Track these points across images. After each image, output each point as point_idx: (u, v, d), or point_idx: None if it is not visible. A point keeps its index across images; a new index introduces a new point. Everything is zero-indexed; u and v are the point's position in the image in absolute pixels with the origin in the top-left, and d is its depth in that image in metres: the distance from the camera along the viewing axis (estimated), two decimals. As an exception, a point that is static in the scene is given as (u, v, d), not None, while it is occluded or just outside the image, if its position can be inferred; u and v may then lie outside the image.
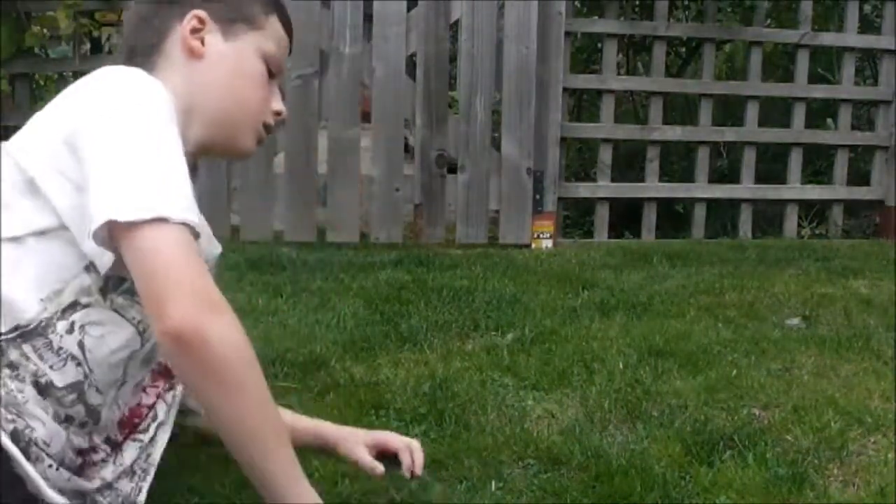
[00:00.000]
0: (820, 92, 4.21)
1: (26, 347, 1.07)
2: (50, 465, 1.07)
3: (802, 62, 4.10)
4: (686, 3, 4.42)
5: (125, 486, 1.20)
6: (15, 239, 1.08)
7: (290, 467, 1.08)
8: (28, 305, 1.07)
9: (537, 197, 3.69)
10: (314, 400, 1.72)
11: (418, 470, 1.36)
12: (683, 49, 4.95)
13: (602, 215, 3.92)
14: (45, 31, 3.51)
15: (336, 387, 1.82)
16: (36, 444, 1.06)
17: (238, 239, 3.37)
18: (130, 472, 1.20)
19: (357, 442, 1.43)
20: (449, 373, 1.90)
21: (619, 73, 4.20)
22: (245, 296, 2.44)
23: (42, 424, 1.07)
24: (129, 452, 1.21)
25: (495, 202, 3.67)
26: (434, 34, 3.58)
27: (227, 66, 1.29)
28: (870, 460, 1.53)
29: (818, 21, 4.40)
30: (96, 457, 1.18)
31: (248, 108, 1.30)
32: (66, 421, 1.11)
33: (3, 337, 1.05)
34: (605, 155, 3.92)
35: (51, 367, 1.08)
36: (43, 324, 1.07)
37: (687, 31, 4.22)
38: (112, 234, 1.03)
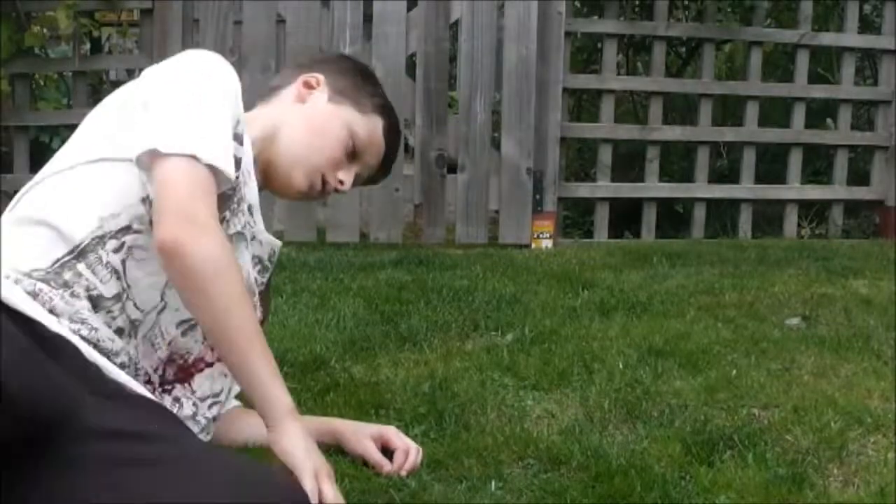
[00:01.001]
0: (820, 92, 4.21)
1: (80, 266, 1.25)
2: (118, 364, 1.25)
3: (802, 62, 4.10)
4: (686, 3, 4.42)
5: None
6: (93, 161, 1.29)
7: (263, 370, 1.24)
8: (87, 222, 1.25)
9: (537, 197, 3.69)
10: (314, 400, 1.72)
11: (405, 471, 1.43)
12: (683, 49, 4.95)
13: (602, 215, 3.92)
14: (45, 31, 3.51)
15: (336, 387, 1.82)
16: (101, 344, 1.24)
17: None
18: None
19: (364, 435, 1.50)
20: (449, 373, 1.90)
21: (619, 73, 4.20)
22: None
23: (102, 330, 1.25)
24: (187, 407, 1.39)
25: (495, 202, 3.67)
26: (434, 34, 3.58)
27: (318, 116, 1.51)
28: (870, 460, 1.53)
29: (818, 21, 4.40)
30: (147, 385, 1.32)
31: (315, 153, 1.48)
32: (117, 333, 1.28)
33: (57, 263, 1.24)
34: (605, 155, 3.92)
35: (100, 280, 1.25)
36: (95, 241, 1.25)
37: (687, 31, 4.22)
38: (151, 161, 1.23)
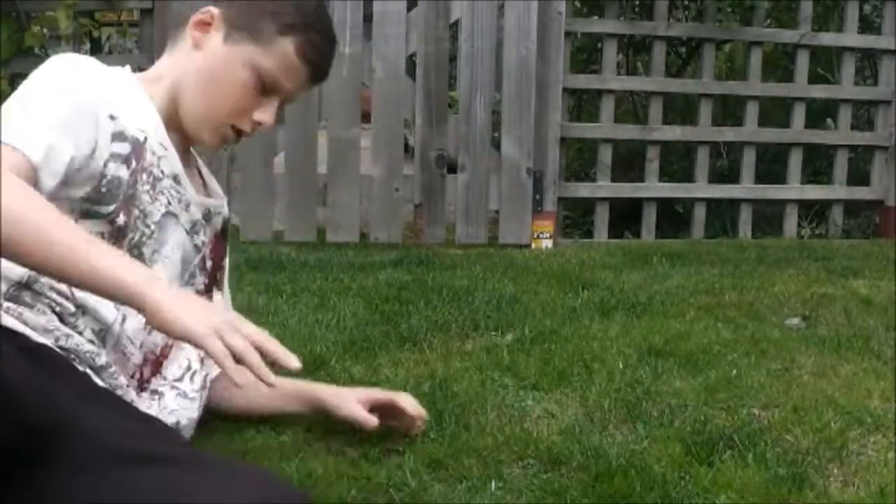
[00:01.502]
0: (820, 92, 4.21)
1: (31, 293, 1.23)
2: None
3: (802, 62, 4.10)
4: (686, 3, 4.43)
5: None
6: None
7: (100, 261, 1.09)
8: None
9: (537, 197, 3.69)
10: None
11: (415, 410, 1.52)
12: (683, 49, 4.95)
13: (602, 215, 3.92)
14: (45, 31, 3.51)
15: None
16: (80, 348, 1.24)
17: (238, 239, 3.37)
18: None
19: (348, 398, 1.53)
20: (449, 373, 1.90)
21: (619, 73, 4.21)
22: (245, 296, 2.44)
23: (76, 338, 1.24)
24: (168, 396, 1.38)
25: (495, 202, 3.67)
26: (434, 34, 3.58)
27: (212, 65, 1.38)
28: (870, 460, 1.53)
29: (818, 21, 4.40)
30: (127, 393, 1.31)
31: (213, 109, 1.39)
32: (91, 342, 1.26)
33: (12, 288, 1.22)
34: (605, 155, 3.92)
35: (55, 299, 1.23)
36: (33, 276, 1.21)
37: (687, 31, 4.22)
38: None
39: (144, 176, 1.32)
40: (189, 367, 1.43)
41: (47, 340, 1.21)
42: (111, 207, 1.28)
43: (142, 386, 1.36)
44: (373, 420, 1.48)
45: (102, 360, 1.27)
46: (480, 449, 1.52)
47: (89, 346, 1.25)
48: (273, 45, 1.38)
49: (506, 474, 1.45)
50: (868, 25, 4.63)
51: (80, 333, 1.25)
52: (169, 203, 1.36)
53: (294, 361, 1.12)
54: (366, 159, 3.60)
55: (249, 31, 1.38)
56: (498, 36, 3.65)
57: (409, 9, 3.58)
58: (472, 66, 3.61)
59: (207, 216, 1.46)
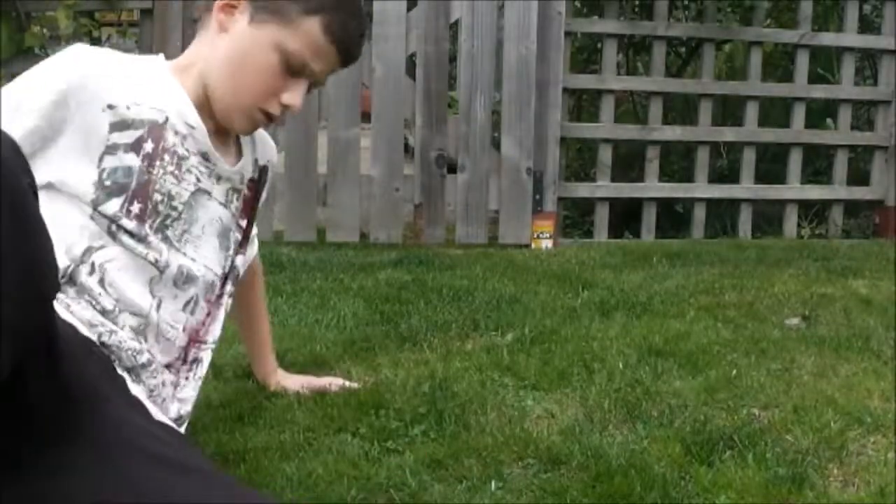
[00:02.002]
0: (820, 92, 4.21)
1: (75, 289, 1.24)
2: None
3: (802, 62, 4.10)
4: (686, 3, 4.42)
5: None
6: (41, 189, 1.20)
7: None
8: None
9: (537, 197, 3.69)
10: (314, 400, 1.72)
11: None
12: (683, 49, 4.95)
13: (602, 215, 3.92)
14: (45, 31, 3.51)
15: (336, 387, 1.82)
16: (123, 345, 1.26)
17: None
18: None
19: (287, 376, 1.79)
20: (449, 373, 1.90)
21: (619, 73, 4.20)
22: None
23: (119, 333, 1.27)
24: (206, 360, 1.42)
25: (495, 202, 3.68)
26: (434, 34, 3.58)
27: (239, 48, 1.38)
28: (870, 460, 1.53)
29: (818, 21, 4.40)
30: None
31: (243, 94, 1.38)
32: (131, 336, 1.28)
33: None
34: (605, 155, 3.92)
35: (97, 296, 1.25)
36: (71, 272, 1.24)
37: (687, 31, 4.22)
38: None
39: (167, 157, 1.32)
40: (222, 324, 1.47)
41: (92, 336, 1.23)
42: (122, 196, 1.28)
43: (185, 360, 1.38)
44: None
45: (144, 357, 1.29)
46: (480, 449, 1.52)
47: (131, 343, 1.27)
48: (300, 26, 1.36)
49: (506, 474, 1.45)
50: (868, 25, 4.63)
51: (122, 329, 1.27)
52: (198, 180, 1.36)
53: None
54: (366, 159, 3.60)
55: (275, 11, 1.36)
56: (498, 36, 3.65)
57: (409, 9, 3.58)
58: (472, 66, 3.61)
59: (245, 177, 1.47)
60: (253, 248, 1.61)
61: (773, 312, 2.51)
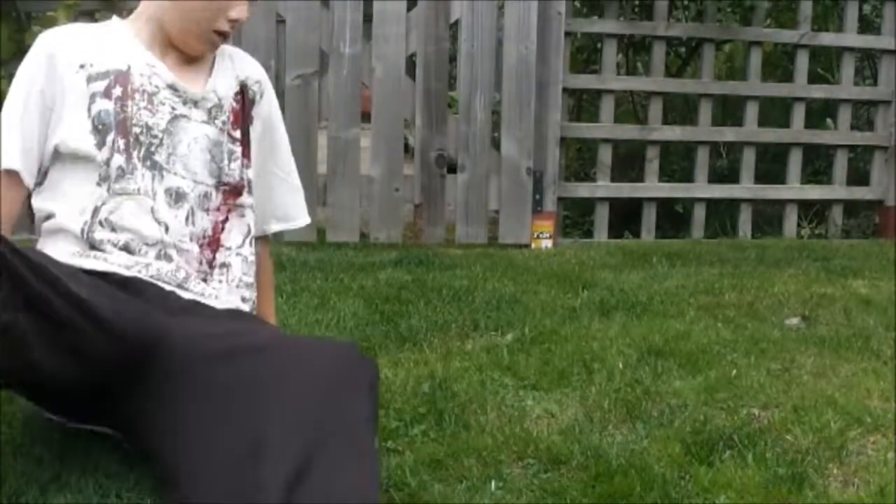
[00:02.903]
0: (819, 92, 4.21)
1: (99, 254, 1.47)
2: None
3: (802, 62, 4.10)
4: (686, 3, 4.42)
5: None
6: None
7: None
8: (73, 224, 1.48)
9: (537, 197, 3.69)
10: (314, 400, 1.72)
11: None
12: (683, 49, 4.95)
13: (602, 215, 3.92)
14: (44, 31, 3.51)
15: (336, 387, 1.81)
16: (161, 273, 1.48)
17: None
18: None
19: None
20: (449, 373, 1.90)
21: (618, 73, 4.20)
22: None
23: (154, 264, 1.49)
24: (235, 266, 1.59)
25: (495, 202, 3.68)
26: (434, 34, 3.58)
27: None
28: (869, 460, 1.53)
29: (818, 21, 4.40)
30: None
31: (192, 20, 1.56)
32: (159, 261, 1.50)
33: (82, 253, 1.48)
34: (605, 155, 3.92)
35: (117, 248, 1.48)
36: (87, 233, 1.47)
37: (687, 31, 4.22)
38: None
39: (137, 96, 1.53)
40: (248, 232, 1.63)
41: (131, 275, 1.45)
42: (110, 134, 1.50)
43: (211, 265, 1.56)
44: None
45: (182, 273, 1.50)
46: (480, 449, 1.52)
47: (166, 267, 1.48)
48: None
49: (506, 474, 1.45)
50: (868, 25, 4.63)
51: (151, 260, 1.48)
52: (173, 108, 1.55)
53: None
54: (366, 159, 3.60)
55: None
56: (498, 36, 3.65)
57: (409, 9, 3.58)
58: (472, 66, 3.61)
59: (222, 99, 1.62)
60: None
61: (773, 312, 2.51)
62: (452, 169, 3.63)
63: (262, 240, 1.76)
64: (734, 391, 1.83)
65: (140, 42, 1.57)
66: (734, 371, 1.94)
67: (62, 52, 1.53)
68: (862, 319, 2.44)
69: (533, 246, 3.65)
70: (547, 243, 3.66)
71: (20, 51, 3.51)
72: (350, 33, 3.50)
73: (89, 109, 1.50)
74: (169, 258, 1.50)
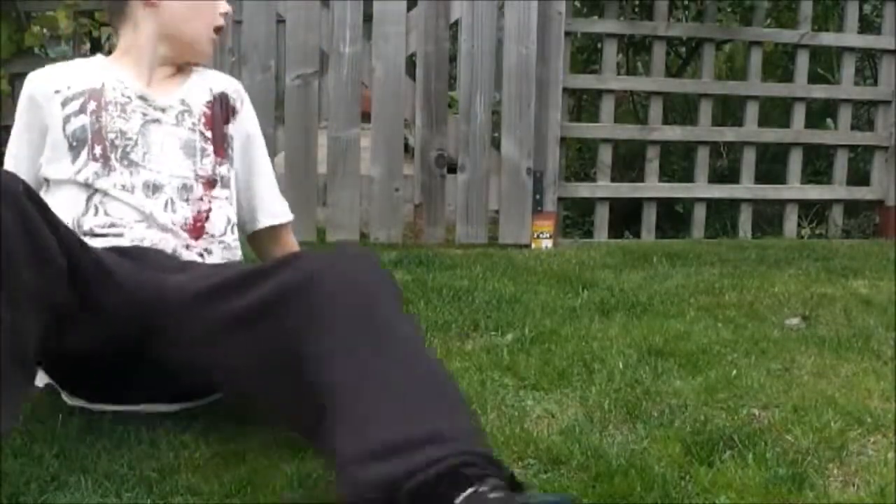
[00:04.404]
0: (820, 92, 4.21)
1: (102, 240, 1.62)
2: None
3: (802, 62, 4.10)
4: (686, 3, 4.42)
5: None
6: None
7: None
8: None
9: (537, 197, 3.69)
10: (314, 400, 1.72)
11: None
12: (683, 49, 4.95)
13: (602, 215, 3.92)
14: (44, 31, 3.51)
15: (336, 387, 1.81)
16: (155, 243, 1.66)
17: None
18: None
19: None
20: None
21: (619, 73, 4.20)
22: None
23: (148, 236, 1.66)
24: (216, 252, 1.74)
25: (495, 202, 3.68)
26: (434, 34, 3.58)
27: (181, 6, 1.78)
28: (870, 460, 1.53)
29: (818, 21, 4.40)
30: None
31: (205, 26, 1.81)
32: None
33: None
34: (605, 155, 3.92)
35: (113, 233, 1.65)
36: (82, 228, 1.63)
37: (687, 31, 4.22)
38: None
39: (111, 108, 1.72)
40: (229, 221, 1.78)
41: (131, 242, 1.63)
42: (85, 147, 1.68)
43: (191, 249, 1.70)
44: None
45: (171, 245, 1.66)
46: (480, 449, 1.52)
47: (158, 239, 1.65)
48: None
49: (506, 474, 1.45)
50: (868, 25, 4.63)
51: (144, 236, 1.64)
52: (144, 115, 1.74)
53: None
54: (366, 159, 3.60)
55: None
56: (498, 36, 3.65)
57: (409, 9, 3.58)
58: (472, 66, 3.61)
59: (189, 104, 1.79)
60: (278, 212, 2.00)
61: (773, 312, 2.51)
62: (452, 169, 3.63)
63: (281, 227, 2.01)
64: (734, 391, 1.83)
65: (121, 68, 1.77)
66: (734, 371, 1.94)
67: (39, 85, 1.74)
68: (862, 319, 2.44)
69: (533, 246, 3.65)
70: (547, 243, 3.66)
71: (20, 51, 3.52)
72: (350, 33, 3.50)
73: (64, 129, 1.69)
74: (155, 231, 1.66)
